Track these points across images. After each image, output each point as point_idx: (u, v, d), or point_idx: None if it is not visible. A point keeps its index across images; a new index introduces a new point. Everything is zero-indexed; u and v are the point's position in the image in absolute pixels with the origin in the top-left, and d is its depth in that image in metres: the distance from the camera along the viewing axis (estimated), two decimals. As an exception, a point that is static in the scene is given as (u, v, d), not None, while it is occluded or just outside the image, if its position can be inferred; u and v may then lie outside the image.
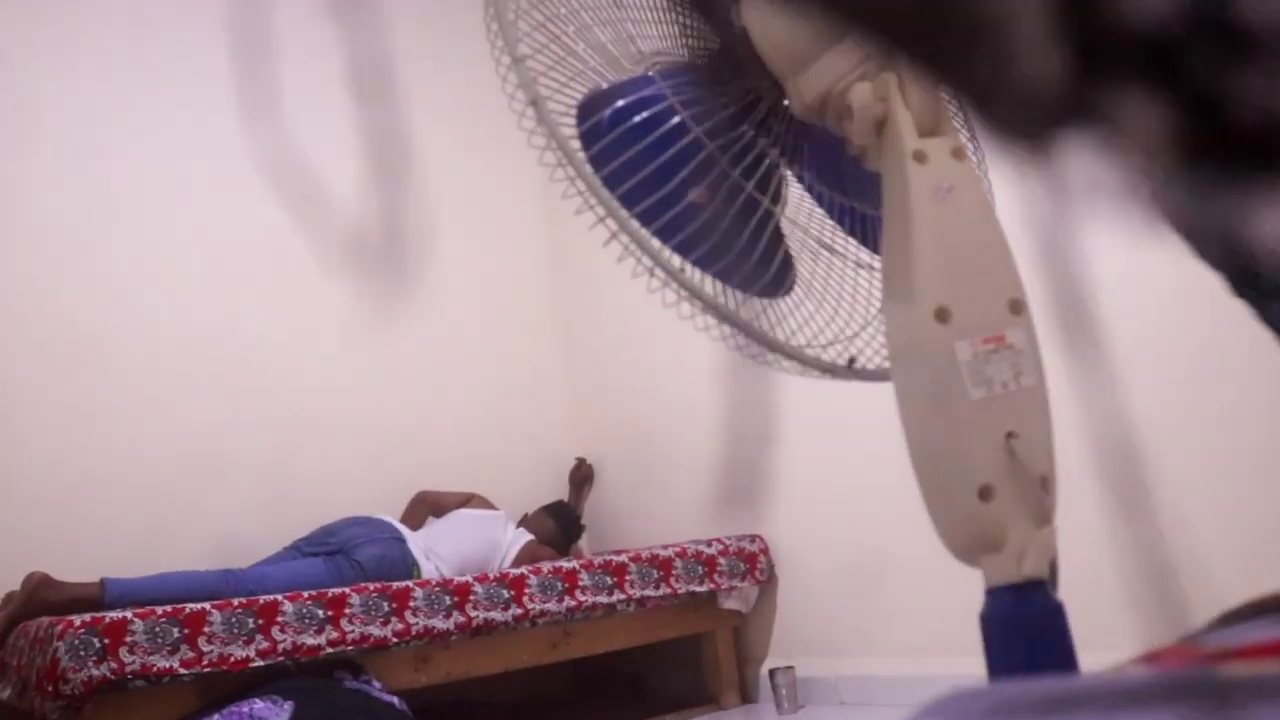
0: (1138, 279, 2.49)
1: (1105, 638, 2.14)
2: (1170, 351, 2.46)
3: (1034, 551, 1.08)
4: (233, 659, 2.39)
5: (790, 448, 3.29)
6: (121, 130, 3.35)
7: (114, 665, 2.25)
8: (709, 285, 1.20)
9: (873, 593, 3.05)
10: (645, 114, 1.22)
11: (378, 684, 2.56)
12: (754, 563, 3.25)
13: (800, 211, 1.37)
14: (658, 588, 3.05)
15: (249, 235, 3.53)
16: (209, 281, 3.43)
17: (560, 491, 3.89)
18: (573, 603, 2.88)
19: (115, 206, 3.31)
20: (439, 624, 2.66)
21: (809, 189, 1.38)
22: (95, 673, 2.23)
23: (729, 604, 3.25)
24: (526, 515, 3.62)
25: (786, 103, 1.30)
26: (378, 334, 3.70)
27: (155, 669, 2.30)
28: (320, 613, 2.52)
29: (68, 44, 3.30)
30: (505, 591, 2.79)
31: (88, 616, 2.32)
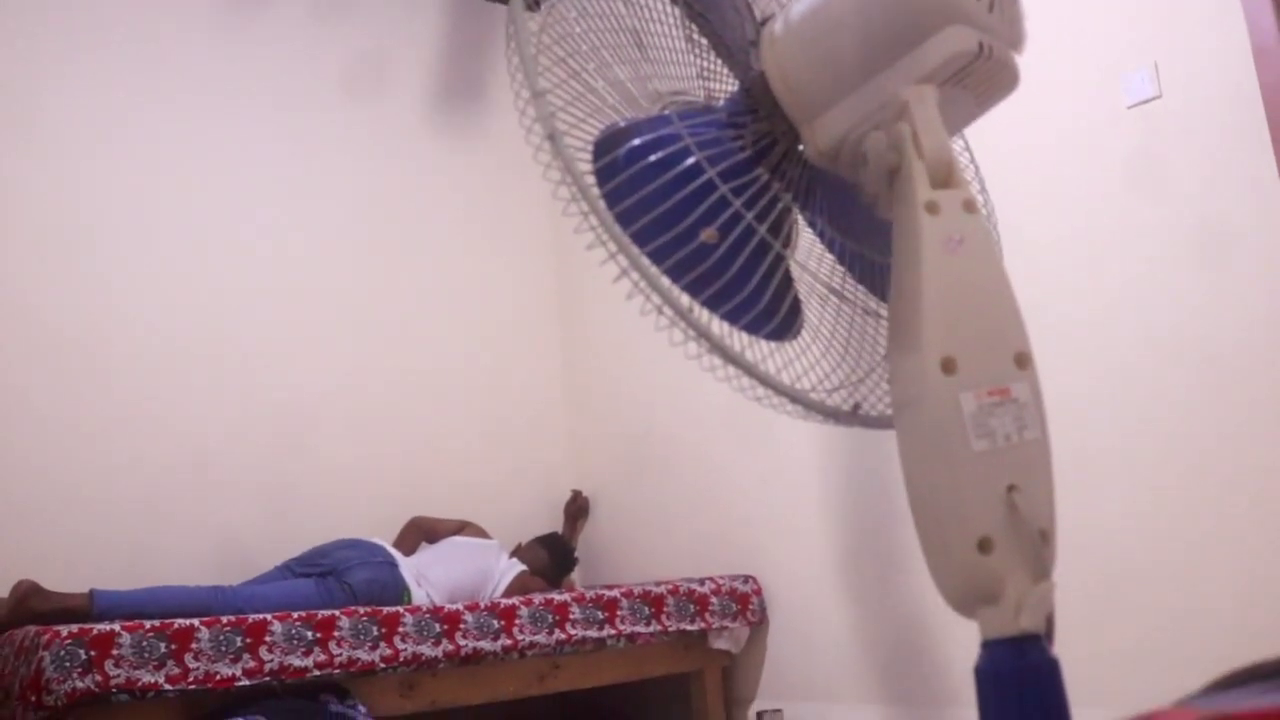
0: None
1: (1100, 696, 2.14)
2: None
3: (1031, 605, 1.08)
4: (218, 677, 2.37)
5: (788, 491, 3.29)
6: (112, 136, 3.31)
7: (98, 678, 2.23)
8: (716, 326, 1.21)
9: (865, 639, 3.04)
10: (661, 153, 1.23)
11: (363, 709, 2.54)
12: (746, 603, 3.23)
13: (811, 256, 1.37)
14: (649, 624, 3.03)
15: (247, 248, 3.51)
16: (205, 291, 3.39)
17: (555, 523, 3.89)
18: (562, 636, 2.87)
19: (106, 213, 3.26)
20: (427, 651, 2.65)
21: (820, 234, 1.39)
22: (79, 684, 2.21)
23: (719, 644, 3.23)
24: (520, 545, 3.61)
25: (801, 148, 1.31)
26: (381, 355, 3.71)
27: (140, 683, 2.28)
28: (309, 634, 2.51)
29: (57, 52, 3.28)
30: (495, 621, 2.78)
31: (75, 627, 2.30)
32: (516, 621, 2.81)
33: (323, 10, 3.83)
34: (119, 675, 2.26)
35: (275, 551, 3.18)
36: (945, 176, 1.18)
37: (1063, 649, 1.12)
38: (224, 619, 2.46)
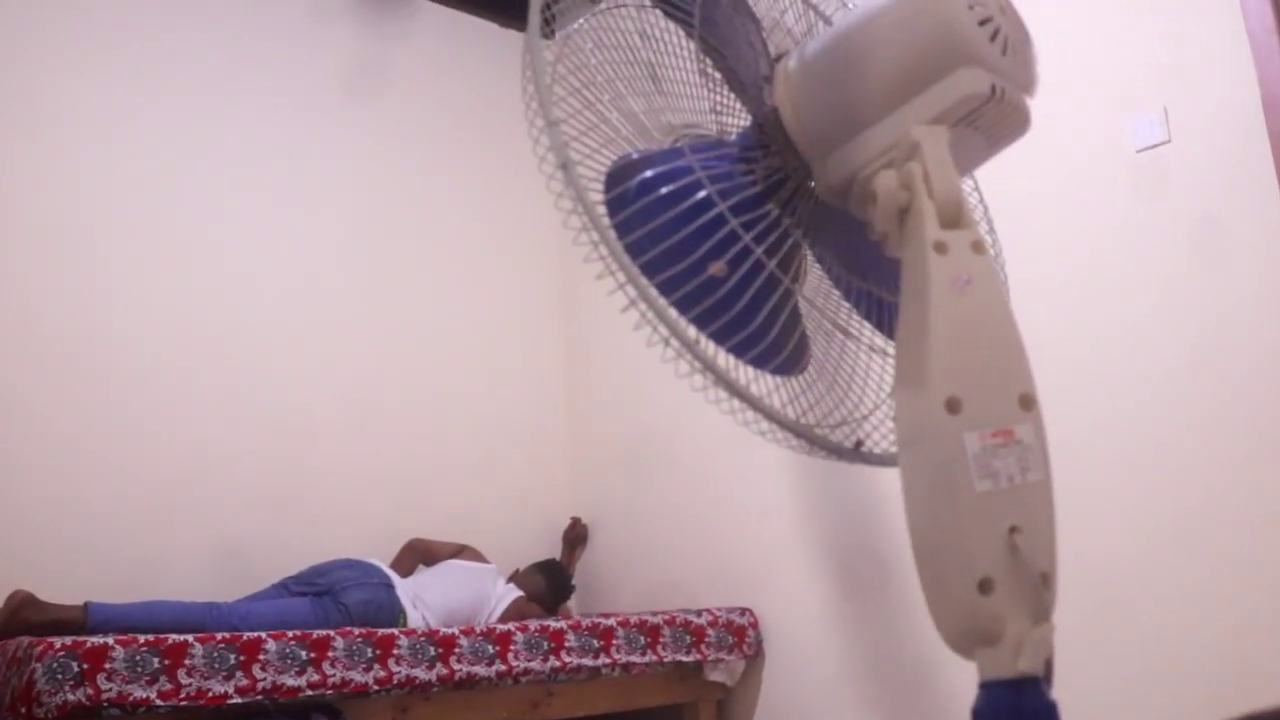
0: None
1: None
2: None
3: (1030, 648, 1.07)
4: (210, 694, 2.35)
5: (787, 525, 3.29)
6: (112, 137, 3.30)
7: (90, 691, 2.22)
8: (723, 359, 1.21)
9: (862, 677, 3.02)
10: (672, 186, 1.24)
11: (354, 731, 2.53)
12: (742, 636, 3.22)
13: (819, 293, 1.38)
14: (644, 654, 3.01)
15: (248, 254, 3.49)
16: (204, 298, 3.37)
17: (553, 549, 3.88)
18: (557, 663, 2.85)
19: (105, 217, 3.24)
20: (421, 674, 2.63)
21: (828, 271, 1.39)
22: (70, 697, 2.20)
23: (714, 676, 3.21)
24: (517, 571, 3.59)
25: (812, 184, 1.32)
26: (383, 375, 3.71)
27: (131, 698, 2.26)
28: (303, 654, 2.49)
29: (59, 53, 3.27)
30: (490, 646, 2.77)
31: (68, 640, 2.29)
32: (511, 647, 2.80)
33: (325, 10, 3.84)
34: (111, 689, 2.25)
35: (274, 564, 3.16)
36: (954, 217, 1.18)
37: (1060, 689, 1.11)
38: (218, 636, 2.45)
